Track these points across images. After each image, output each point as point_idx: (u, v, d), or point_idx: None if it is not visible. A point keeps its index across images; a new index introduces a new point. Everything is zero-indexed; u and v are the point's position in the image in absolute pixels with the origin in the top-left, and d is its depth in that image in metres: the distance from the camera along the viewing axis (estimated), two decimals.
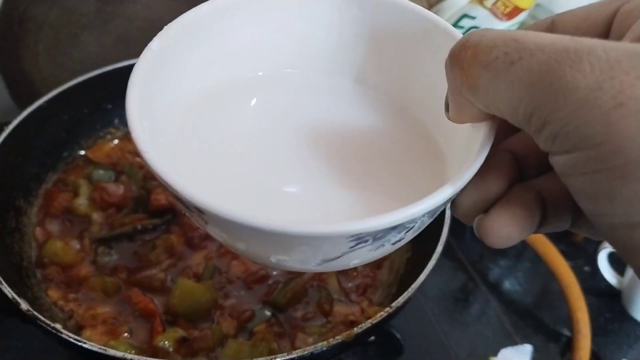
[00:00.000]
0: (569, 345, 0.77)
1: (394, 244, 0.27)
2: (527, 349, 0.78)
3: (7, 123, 0.64)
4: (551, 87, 0.21)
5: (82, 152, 0.73)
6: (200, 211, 0.25)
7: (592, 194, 0.22)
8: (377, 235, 0.25)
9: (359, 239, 0.25)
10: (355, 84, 0.35)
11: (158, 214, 0.66)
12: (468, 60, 0.23)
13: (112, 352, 0.44)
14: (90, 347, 0.44)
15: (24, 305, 0.47)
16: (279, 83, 0.34)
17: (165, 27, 0.30)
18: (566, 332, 0.80)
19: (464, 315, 0.82)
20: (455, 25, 0.89)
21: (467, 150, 0.27)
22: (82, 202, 0.66)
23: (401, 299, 0.50)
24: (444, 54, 0.25)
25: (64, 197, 0.67)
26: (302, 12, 0.33)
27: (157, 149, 0.27)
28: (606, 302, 0.84)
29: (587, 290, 0.79)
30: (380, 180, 0.31)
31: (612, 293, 0.83)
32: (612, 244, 0.23)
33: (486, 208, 0.26)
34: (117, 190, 0.67)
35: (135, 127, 0.27)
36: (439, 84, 0.28)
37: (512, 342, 0.79)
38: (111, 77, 0.74)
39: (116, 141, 0.75)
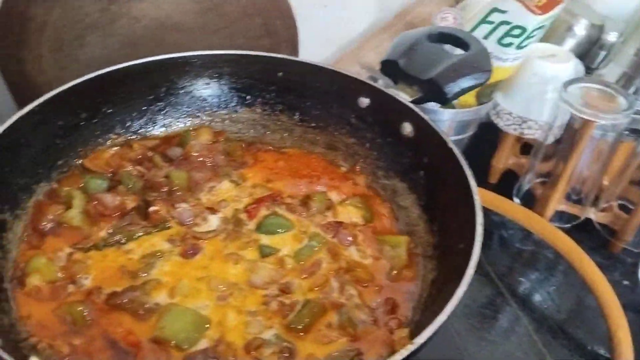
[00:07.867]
0: None
1: None
2: None
3: None
4: None
5: (79, 161, 0.70)
6: None
7: None
8: None
9: None
10: None
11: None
12: None
13: None
14: None
15: None
16: None
17: None
18: (604, 352, 0.77)
19: (492, 333, 0.79)
20: (484, 20, 0.85)
21: None
22: (74, 215, 0.63)
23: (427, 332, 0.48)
24: None
25: (54, 209, 0.64)
26: None
27: None
28: None
29: (626, 306, 0.76)
30: None
31: None
32: None
33: None
34: (113, 201, 0.65)
35: None
36: None
37: None
38: (112, 78, 0.70)
39: (116, 148, 0.72)
